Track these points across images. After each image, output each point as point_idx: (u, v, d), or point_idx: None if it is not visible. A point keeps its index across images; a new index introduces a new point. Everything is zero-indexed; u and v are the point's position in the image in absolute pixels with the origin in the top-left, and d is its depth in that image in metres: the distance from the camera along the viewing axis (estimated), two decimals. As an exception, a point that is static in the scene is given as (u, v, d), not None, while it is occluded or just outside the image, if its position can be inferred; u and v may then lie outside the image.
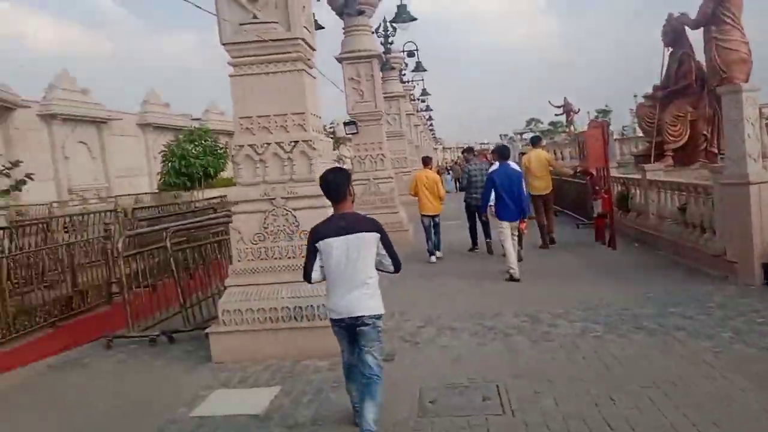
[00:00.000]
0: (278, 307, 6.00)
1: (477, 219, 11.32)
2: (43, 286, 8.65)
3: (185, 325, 7.20)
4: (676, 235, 9.42)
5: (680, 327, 5.86)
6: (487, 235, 11.22)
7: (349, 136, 17.32)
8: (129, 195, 25.78)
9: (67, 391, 5.71)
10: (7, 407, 5.40)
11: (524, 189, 9.42)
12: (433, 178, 11.37)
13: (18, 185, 8.03)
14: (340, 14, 14.63)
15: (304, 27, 6.23)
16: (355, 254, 3.87)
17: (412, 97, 31.72)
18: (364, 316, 3.88)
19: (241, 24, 6.03)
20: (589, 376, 4.80)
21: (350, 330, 3.98)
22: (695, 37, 13.55)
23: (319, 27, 11.33)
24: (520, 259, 9.40)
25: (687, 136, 13.50)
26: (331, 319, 4.05)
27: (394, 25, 21.19)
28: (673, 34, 13.84)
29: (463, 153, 13.50)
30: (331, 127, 36.08)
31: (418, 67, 28.89)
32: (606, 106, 74.60)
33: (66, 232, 11.98)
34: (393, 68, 21.60)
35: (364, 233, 3.90)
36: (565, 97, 45.45)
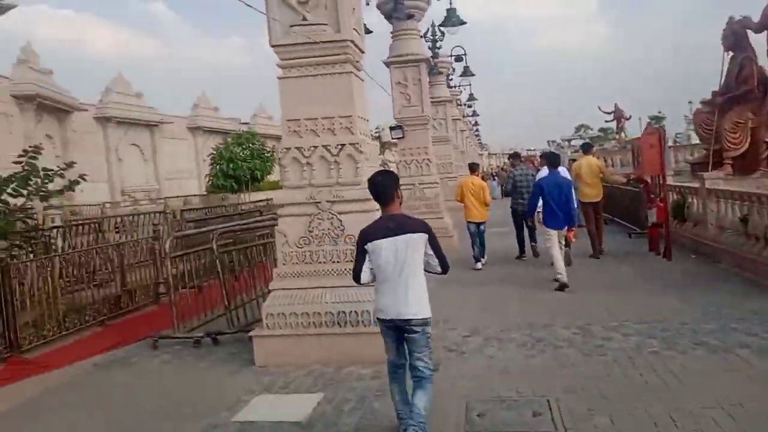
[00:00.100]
0: (322, 311, 5.92)
1: (524, 225, 11.09)
2: (94, 285, 8.83)
3: (229, 327, 7.21)
4: (737, 246, 8.96)
5: (744, 344, 5.51)
6: (533, 239, 11.10)
7: (395, 140, 17.28)
8: (178, 197, 26.33)
9: (114, 390, 5.75)
10: (56, 405, 5.47)
11: (573, 198, 9.19)
12: (480, 185, 11.20)
13: (71, 185, 8.21)
14: (389, 18, 14.60)
15: (354, 29, 6.17)
16: (403, 255, 3.86)
17: (458, 102, 31.48)
18: (412, 320, 3.87)
19: (290, 26, 6.02)
20: (646, 394, 4.54)
21: (398, 331, 3.97)
22: (758, 40, 12.99)
23: (367, 31, 11.30)
24: (569, 264, 9.19)
25: (747, 144, 12.92)
26: (379, 319, 4.05)
27: (442, 29, 21.06)
28: (734, 38, 13.29)
29: (509, 158, 13.26)
30: (376, 132, 36.15)
31: (466, 72, 28.64)
32: (659, 112, 72.51)
33: (117, 232, 12.27)
34: (440, 73, 21.43)
35: (411, 234, 3.90)
36: (615, 104, 44.33)
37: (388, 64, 14.69)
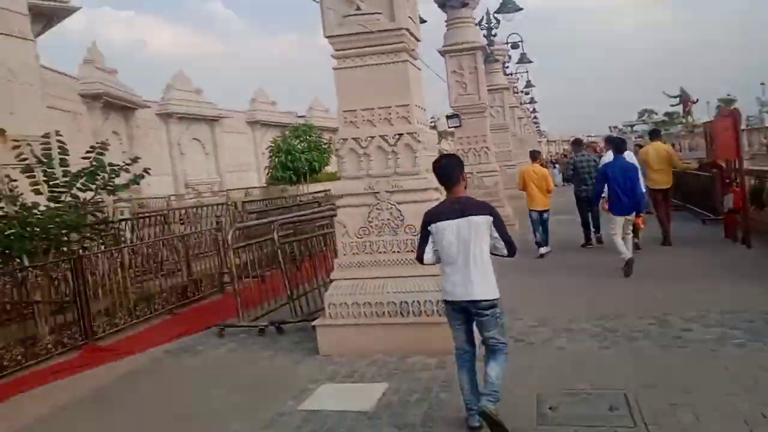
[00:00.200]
0: (384, 301, 5.85)
1: (589, 212, 10.77)
2: (161, 274, 9.07)
3: (292, 316, 7.24)
4: (823, 232, 8.37)
5: (839, 336, 5.11)
6: (597, 227, 10.83)
7: (451, 129, 17.08)
8: (239, 189, 26.88)
9: (183, 378, 5.86)
10: (128, 391, 5.62)
11: (641, 183, 8.86)
12: (542, 173, 10.98)
13: (136, 179, 8.43)
14: (443, 7, 14.39)
15: (409, 17, 6.04)
16: (466, 237, 3.87)
17: (515, 89, 30.85)
18: (480, 301, 3.86)
19: (344, 16, 5.94)
20: (733, 388, 4.25)
21: (466, 314, 3.97)
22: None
23: (421, 21, 11.15)
24: (637, 249, 8.98)
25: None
26: (446, 302, 4.04)
27: (497, 16, 20.64)
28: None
29: (571, 145, 12.88)
30: (432, 122, 35.90)
31: (523, 59, 28.09)
32: (729, 95, 68.92)
33: (182, 223, 12.57)
34: (496, 60, 21.04)
35: (475, 216, 3.89)
36: (681, 87, 42.75)
37: (443, 53, 14.51)
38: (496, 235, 3.93)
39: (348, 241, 6.13)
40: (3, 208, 7.29)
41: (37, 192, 7.82)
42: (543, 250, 10.46)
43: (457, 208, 3.93)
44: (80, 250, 7.53)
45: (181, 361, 6.38)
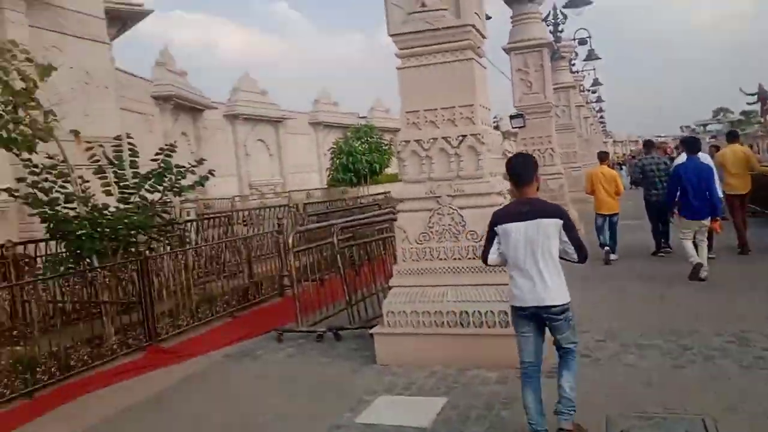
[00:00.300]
0: (443, 311, 5.69)
1: (660, 218, 10.27)
2: (223, 276, 9.20)
3: (350, 323, 7.19)
4: None
5: None
6: (666, 234, 10.33)
7: (514, 130, 16.72)
8: (301, 190, 27.23)
9: (242, 383, 5.89)
10: (187, 396, 5.69)
11: (717, 185, 8.37)
12: (611, 174, 10.61)
13: (201, 181, 8.59)
14: (509, 2, 14.09)
15: (475, 13, 5.86)
16: (534, 240, 3.77)
17: (581, 87, 29.99)
18: (552, 307, 3.77)
19: (409, 13, 5.83)
20: (826, 419, 3.90)
21: (536, 320, 3.86)
22: None
23: (486, 17, 10.92)
24: (712, 257, 8.55)
25: None
26: (514, 307, 3.94)
27: (564, 11, 20.10)
28: None
29: (643, 146, 12.36)
30: (495, 122, 35.39)
31: (590, 56, 27.25)
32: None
33: (244, 225, 12.78)
34: (563, 57, 20.50)
35: (543, 219, 3.78)
36: (760, 84, 40.21)
37: (507, 51, 14.20)
38: (566, 239, 3.81)
39: (408, 247, 6.00)
40: (75, 208, 7.54)
41: (108, 193, 8.07)
42: (614, 256, 10.07)
43: (526, 210, 3.84)
44: (147, 251, 7.71)
45: (240, 366, 6.42)
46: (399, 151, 6.08)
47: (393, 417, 4.56)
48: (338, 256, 7.56)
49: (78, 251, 7.50)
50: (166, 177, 8.27)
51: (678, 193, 8.35)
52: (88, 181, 8.23)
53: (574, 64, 26.04)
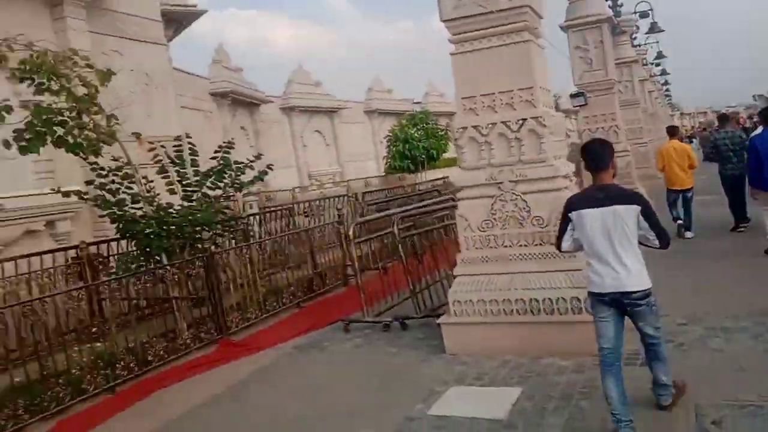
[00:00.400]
0: (512, 299, 5.52)
1: (737, 192, 9.73)
2: (288, 267, 9.28)
3: (416, 312, 7.10)
4: None
5: None
6: (743, 207, 9.77)
7: (575, 108, 16.21)
8: (358, 178, 27.28)
9: (312, 374, 5.91)
10: (259, 389, 5.74)
11: None
12: (682, 148, 10.17)
13: (260, 175, 8.65)
14: (565, -23, 13.57)
15: (531, -8, 5.61)
16: (611, 227, 3.68)
17: (644, 61, 28.72)
18: (633, 293, 3.68)
19: (461, -3, 5.62)
20: None
21: (616, 306, 3.76)
22: None
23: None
24: None
25: None
26: (592, 294, 3.85)
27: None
28: None
29: (717, 119, 11.73)
30: (554, 100, 34.48)
31: (653, 29, 26.08)
32: None
33: (306, 216, 12.86)
34: (623, 32, 19.65)
35: (619, 206, 3.69)
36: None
37: (565, 28, 13.72)
38: (646, 225, 3.71)
39: (470, 235, 5.85)
40: (142, 208, 7.72)
41: (172, 192, 8.23)
42: (689, 234, 9.64)
43: (601, 196, 3.75)
44: (212, 247, 7.84)
45: (309, 357, 6.45)
46: (456, 138, 5.92)
47: (466, 408, 4.45)
48: (399, 245, 7.48)
49: (147, 249, 7.69)
50: (226, 174, 8.37)
51: (756, 166, 7.89)
52: (152, 181, 8.42)
53: (636, 38, 24.98)
